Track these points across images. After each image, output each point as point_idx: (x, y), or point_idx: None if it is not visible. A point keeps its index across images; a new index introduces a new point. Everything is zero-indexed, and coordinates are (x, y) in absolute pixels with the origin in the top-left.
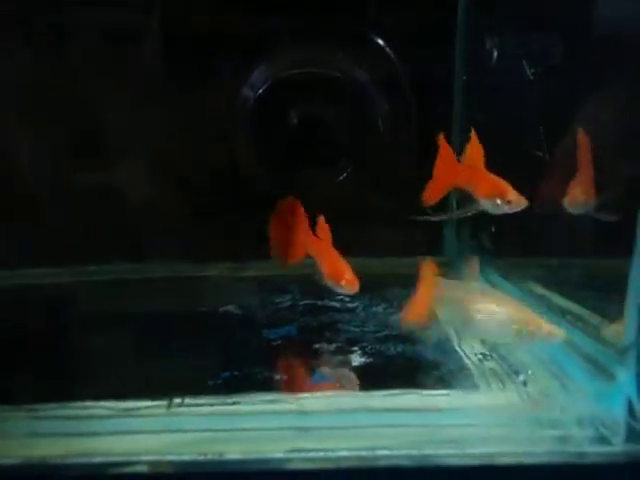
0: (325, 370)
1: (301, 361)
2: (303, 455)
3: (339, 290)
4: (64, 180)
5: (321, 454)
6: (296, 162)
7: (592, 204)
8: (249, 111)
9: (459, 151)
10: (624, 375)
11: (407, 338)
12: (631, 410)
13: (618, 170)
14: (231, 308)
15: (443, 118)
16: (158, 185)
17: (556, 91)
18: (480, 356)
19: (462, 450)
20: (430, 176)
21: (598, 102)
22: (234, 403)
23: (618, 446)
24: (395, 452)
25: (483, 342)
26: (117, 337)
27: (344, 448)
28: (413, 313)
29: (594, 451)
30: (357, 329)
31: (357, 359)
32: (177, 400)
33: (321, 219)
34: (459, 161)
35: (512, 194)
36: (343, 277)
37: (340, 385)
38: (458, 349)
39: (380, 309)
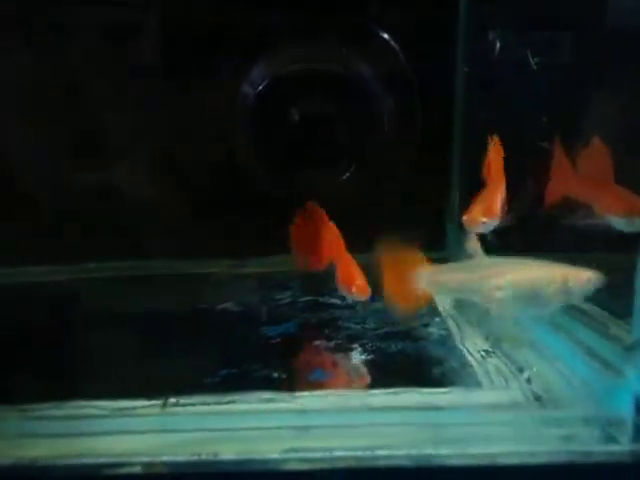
0: (324, 368)
1: (299, 359)
2: (300, 455)
3: (350, 297)
4: (64, 179)
5: (318, 454)
6: (297, 161)
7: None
8: (249, 109)
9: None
10: (631, 373)
11: (408, 335)
12: (638, 408)
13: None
14: (230, 305)
15: (444, 114)
16: (158, 183)
17: (559, 84)
18: (483, 353)
19: (464, 450)
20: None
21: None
22: (229, 402)
23: (625, 445)
24: (394, 452)
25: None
26: (114, 335)
27: (342, 448)
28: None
29: (600, 450)
30: (357, 326)
31: (357, 356)
32: (172, 399)
33: (332, 225)
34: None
35: None
36: (354, 283)
37: (339, 383)
38: (461, 346)
39: (381, 305)
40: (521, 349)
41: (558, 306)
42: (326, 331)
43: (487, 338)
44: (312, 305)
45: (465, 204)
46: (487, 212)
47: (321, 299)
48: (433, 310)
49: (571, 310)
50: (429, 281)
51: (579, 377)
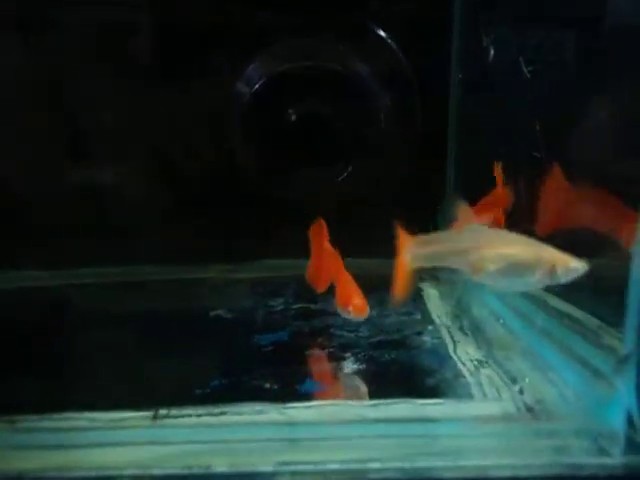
0: (317, 378)
1: (292, 369)
2: (292, 468)
3: (346, 315)
4: (57, 181)
5: (311, 467)
6: (294, 161)
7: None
8: (245, 108)
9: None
10: (623, 385)
11: (402, 344)
12: (630, 421)
13: None
14: (223, 312)
15: (440, 115)
16: (151, 186)
17: (554, 88)
18: (476, 362)
19: (456, 462)
20: None
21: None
22: (221, 413)
23: (617, 458)
24: (387, 464)
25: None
26: (104, 343)
27: (334, 461)
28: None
29: (592, 463)
30: (351, 334)
31: (349, 366)
32: (163, 411)
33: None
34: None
35: None
36: (350, 302)
37: (332, 394)
38: (454, 355)
39: (374, 313)
40: (514, 358)
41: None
42: (319, 339)
43: (480, 347)
44: (305, 312)
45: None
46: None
47: (313, 306)
48: (426, 318)
49: (564, 319)
50: (416, 253)
51: (571, 389)
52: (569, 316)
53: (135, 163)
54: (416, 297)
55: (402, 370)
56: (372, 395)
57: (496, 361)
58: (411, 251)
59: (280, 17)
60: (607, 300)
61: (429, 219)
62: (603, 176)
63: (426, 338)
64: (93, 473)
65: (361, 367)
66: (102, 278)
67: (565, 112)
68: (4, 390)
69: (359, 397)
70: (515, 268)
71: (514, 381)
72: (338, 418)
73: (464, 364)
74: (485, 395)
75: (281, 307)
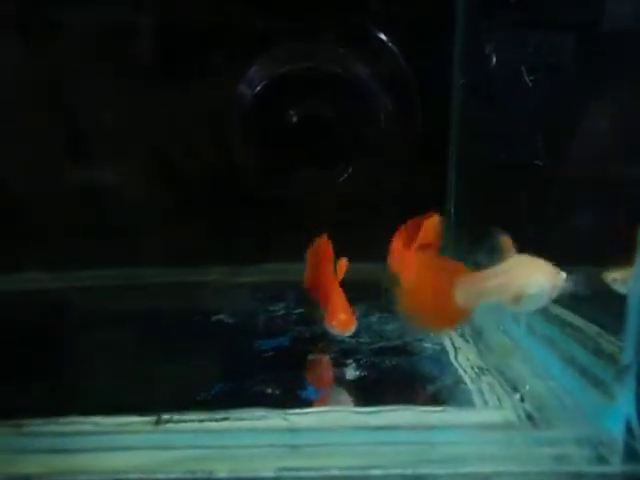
0: (318, 384)
1: (293, 374)
2: (294, 474)
3: (332, 331)
4: (58, 181)
5: (312, 473)
6: (294, 162)
7: None
8: (246, 109)
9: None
10: (623, 394)
11: (403, 350)
12: (630, 429)
13: None
14: (224, 317)
15: (442, 118)
16: (153, 188)
17: (555, 93)
18: (477, 370)
19: (457, 469)
20: None
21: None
22: (223, 419)
23: (616, 466)
24: (388, 471)
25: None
26: (105, 347)
27: (335, 467)
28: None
29: (592, 471)
30: (352, 340)
31: (351, 372)
32: (165, 416)
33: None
34: None
35: None
36: (335, 317)
37: (333, 401)
38: (454, 362)
39: (375, 319)
40: (514, 365)
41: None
42: (320, 345)
43: (481, 354)
44: (306, 317)
45: (459, 209)
46: None
47: (314, 311)
48: None
49: (565, 327)
50: (470, 292)
51: (572, 397)
52: (569, 323)
53: (135, 163)
54: None
55: (403, 377)
56: (373, 402)
57: (497, 368)
58: (466, 289)
59: (281, 19)
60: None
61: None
62: (604, 177)
63: (427, 345)
64: (97, 477)
65: (362, 373)
66: (103, 280)
67: (567, 117)
68: (7, 392)
69: (361, 404)
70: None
71: (515, 389)
72: (340, 424)
73: (465, 371)
74: (486, 403)
75: (282, 312)
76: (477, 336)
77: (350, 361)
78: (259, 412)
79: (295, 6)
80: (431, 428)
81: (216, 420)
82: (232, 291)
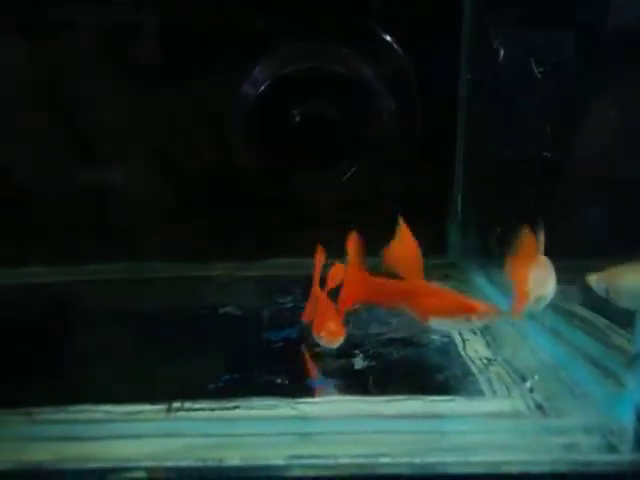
0: (327, 374)
1: (302, 364)
2: (304, 462)
3: (320, 343)
4: (62, 179)
5: (322, 461)
6: (298, 162)
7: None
8: (250, 109)
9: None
10: (633, 382)
11: (411, 342)
12: (639, 418)
13: None
14: (232, 309)
15: (447, 115)
16: (157, 184)
17: (564, 89)
18: (485, 361)
19: (466, 458)
20: None
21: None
22: (234, 407)
23: (626, 454)
24: (397, 459)
25: None
26: (115, 339)
27: (345, 455)
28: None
29: (601, 459)
30: (360, 331)
31: (359, 363)
32: (176, 404)
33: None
34: None
35: None
36: (323, 328)
37: (341, 390)
38: (462, 353)
39: (382, 311)
40: (522, 356)
41: None
42: None
43: (489, 345)
44: None
45: (466, 207)
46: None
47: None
48: None
49: (573, 318)
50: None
51: (581, 386)
52: (577, 315)
53: (140, 162)
54: None
55: (412, 367)
56: (382, 391)
57: (505, 359)
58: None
59: (283, 19)
60: None
61: (435, 220)
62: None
63: (435, 336)
64: (109, 464)
65: (371, 364)
66: (107, 275)
67: (574, 112)
68: (17, 384)
69: (370, 393)
70: None
71: (524, 379)
72: (349, 413)
73: (473, 362)
74: (495, 392)
75: (290, 305)
76: (485, 328)
77: (358, 352)
78: (269, 401)
79: (297, 6)
80: (440, 417)
81: (227, 408)
82: (239, 284)
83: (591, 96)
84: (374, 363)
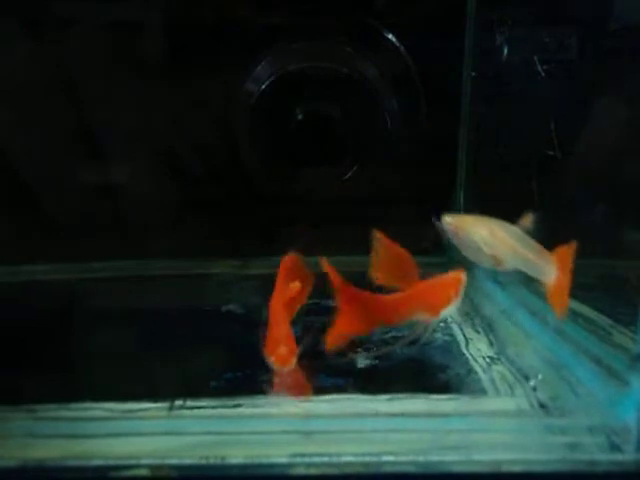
0: (329, 373)
1: (304, 363)
2: (307, 460)
3: (271, 365)
4: (66, 177)
5: (325, 459)
6: (300, 160)
7: None
8: (253, 106)
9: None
10: (636, 382)
11: (414, 340)
12: None
13: None
14: (234, 307)
15: (451, 114)
16: (160, 182)
17: (569, 87)
18: (488, 359)
19: (469, 457)
20: None
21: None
22: (236, 405)
23: (629, 454)
24: (401, 458)
25: None
26: (118, 336)
27: (349, 453)
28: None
29: (605, 459)
30: None
31: (361, 361)
32: (179, 402)
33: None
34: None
35: None
36: (273, 351)
37: (344, 388)
38: (465, 352)
39: None
40: (526, 355)
41: None
42: None
43: (492, 344)
44: (316, 308)
45: (469, 206)
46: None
47: (324, 302)
48: None
49: (577, 317)
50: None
51: (584, 385)
52: (581, 314)
53: (144, 160)
54: None
55: (415, 366)
56: (385, 390)
57: (508, 358)
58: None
59: (289, 18)
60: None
61: (438, 219)
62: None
63: (438, 335)
64: (112, 462)
65: (374, 362)
66: (111, 272)
67: (580, 112)
68: (20, 382)
69: (373, 392)
70: None
71: (527, 378)
72: (352, 412)
73: (476, 361)
74: (498, 391)
75: None
76: (488, 327)
77: (361, 350)
78: (272, 399)
79: (300, 4)
80: (443, 415)
81: (229, 406)
82: (241, 282)
83: (596, 94)
84: (377, 361)
